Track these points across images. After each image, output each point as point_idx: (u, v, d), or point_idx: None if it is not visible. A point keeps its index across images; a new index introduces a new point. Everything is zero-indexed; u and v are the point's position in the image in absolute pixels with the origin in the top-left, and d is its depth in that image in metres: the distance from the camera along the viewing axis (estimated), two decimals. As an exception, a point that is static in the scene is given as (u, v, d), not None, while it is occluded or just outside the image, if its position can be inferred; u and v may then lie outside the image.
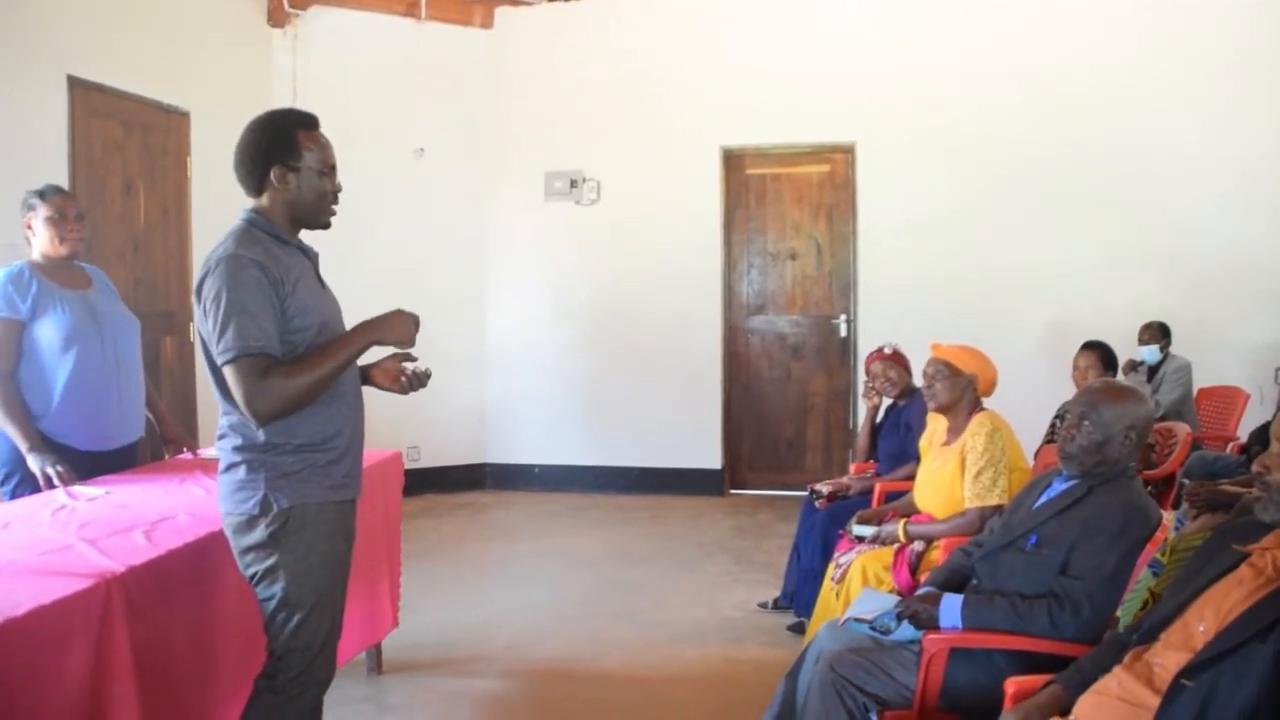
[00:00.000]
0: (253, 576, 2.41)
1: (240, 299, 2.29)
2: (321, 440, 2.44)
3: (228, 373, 2.31)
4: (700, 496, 7.44)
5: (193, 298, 2.42)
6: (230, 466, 2.42)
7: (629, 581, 5.38)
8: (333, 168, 2.53)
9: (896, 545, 3.72)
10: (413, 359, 2.70)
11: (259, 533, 2.37)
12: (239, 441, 2.40)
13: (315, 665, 2.44)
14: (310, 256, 2.59)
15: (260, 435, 2.37)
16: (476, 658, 4.26)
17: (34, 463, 3.31)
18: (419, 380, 2.69)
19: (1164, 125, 6.81)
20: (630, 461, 7.64)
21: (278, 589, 2.38)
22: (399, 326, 2.54)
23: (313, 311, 2.44)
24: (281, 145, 2.46)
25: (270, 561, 2.37)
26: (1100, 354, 5.24)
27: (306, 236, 2.63)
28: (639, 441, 7.62)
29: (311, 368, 2.36)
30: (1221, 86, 6.75)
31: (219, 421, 2.46)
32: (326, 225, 2.57)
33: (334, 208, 2.56)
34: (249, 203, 2.52)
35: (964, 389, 3.76)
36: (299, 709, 2.44)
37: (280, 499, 2.37)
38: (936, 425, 3.96)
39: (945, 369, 3.76)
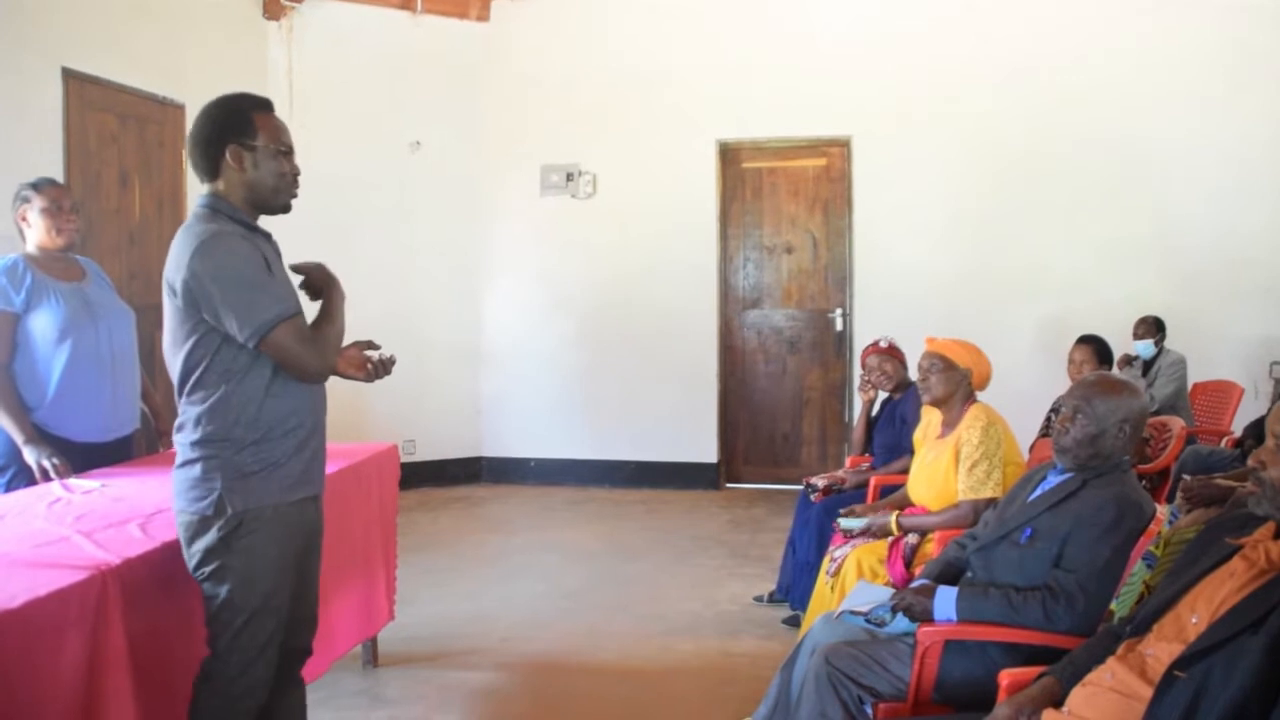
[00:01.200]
0: (199, 575, 2.35)
1: (250, 272, 2.29)
2: (283, 434, 2.39)
3: (274, 341, 2.29)
4: (696, 490, 7.45)
5: (167, 289, 2.34)
6: (187, 462, 2.36)
7: (625, 575, 5.39)
8: (290, 149, 2.47)
9: (891, 538, 3.72)
10: (375, 346, 2.67)
11: (211, 535, 2.31)
12: (197, 435, 2.33)
13: (254, 667, 2.37)
14: (271, 241, 2.53)
15: (220, 429, 2.31)
16: (472, 650, 4.27)
17: (30, 455, 3.31)
18: (384, 367, 2.65)
19: (1160, 119, 6.82)
20: (626, 455, 7.64)
21: (224, 590, 2.32)
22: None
23: (285, 294, 2.40)
24: (237, 125, 2.41)
25: (218, 563, 2.32)
26: (1095, 348, 5.25)
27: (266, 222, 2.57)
28: (635, 435, 7.63)
29: (326, 322, 2.47)
30: (1217, 81, 6.76)
31: (179, 413, 2.38)
32: (287, 208, 2.51)
33: (294, 190, 2.51)
34: None
35: (959, 382, 3.76)
36: (241, 710, 2.38)
37: (235, 501, 2.31)
38: (931, 418, 3.97)
39: (940, 362, 3.77)
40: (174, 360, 2.37)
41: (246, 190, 2.43)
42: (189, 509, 2.34)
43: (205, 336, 2.32)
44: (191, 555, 2.35)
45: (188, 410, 2.36)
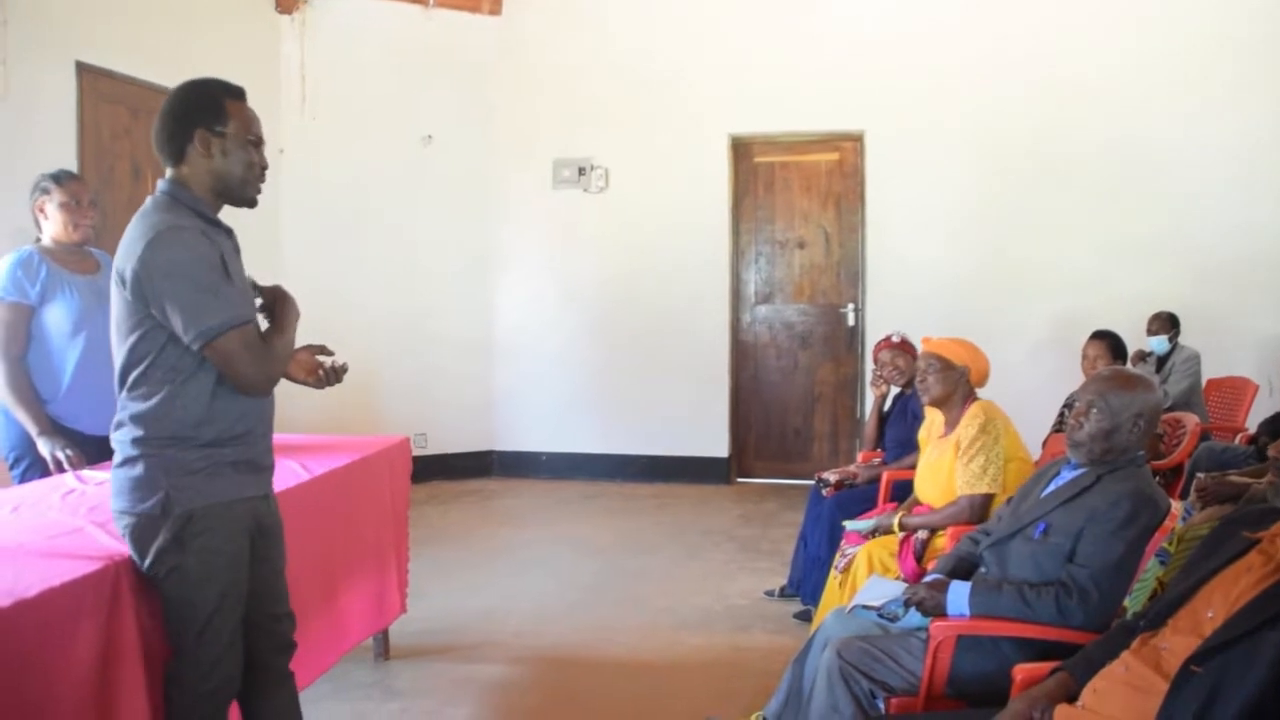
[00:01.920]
0: (155, 576, 2.26)
1: (203, 272, 2.19)
2: (232, 437, 2.31)
3: (220, 347, 2.20)
4: (707, 485, 7.45)
5: (116, 277, 2.24)
6: (127, 460, 2.27)
7: (636, 569, 5.39)
8: (260, 140, 2.38)
9: (901, 535, 3.72)
10: (329, 353, 2.64)
11: (162, 536, 2.22)
12: (139, 433, 2.24)
13: (221, 663, 2.32)
14: (232, 236, 2.43)
15: (168, 428, 2.24)
16: (484, 643, 4.27)
17: (44, 447, 3.33)
18: (335, 375, 2.61)
19: (1173, 115, 6.79)
20: (637, 449, 7.65)
21: (184, 589, 2.25)
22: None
23: (240, 291, 2.33)
24: (207, 109, 2.31)
25: (174, 563, 2.24)
26: (1109, 343, 5.23)
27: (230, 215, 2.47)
28: (646, 429, 7.63)
29: (279, 340, 2.37)
30: (1230, 75, 6.72)
31: (119, 408, 2.30)
32: (253, 202, 2.42)
33: (260, 183, 2.41)
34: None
35: (956, 381, 3.75)
36: (212, 707, 2.33)
37: (183, 499, 2.23)
38: (935, 417, 3.96)
39: (936, 362, 3.76)
40: (118, 352, 2.29)
41: (212, 179, 2.33)
42: (132, 509, 2.25)
43: (150, 332, 2.23)
44: (145, 556, 2.24)
45: (128, 406, 2.27)
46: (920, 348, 3.93)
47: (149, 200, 2.31)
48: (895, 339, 4.76)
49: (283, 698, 2.62)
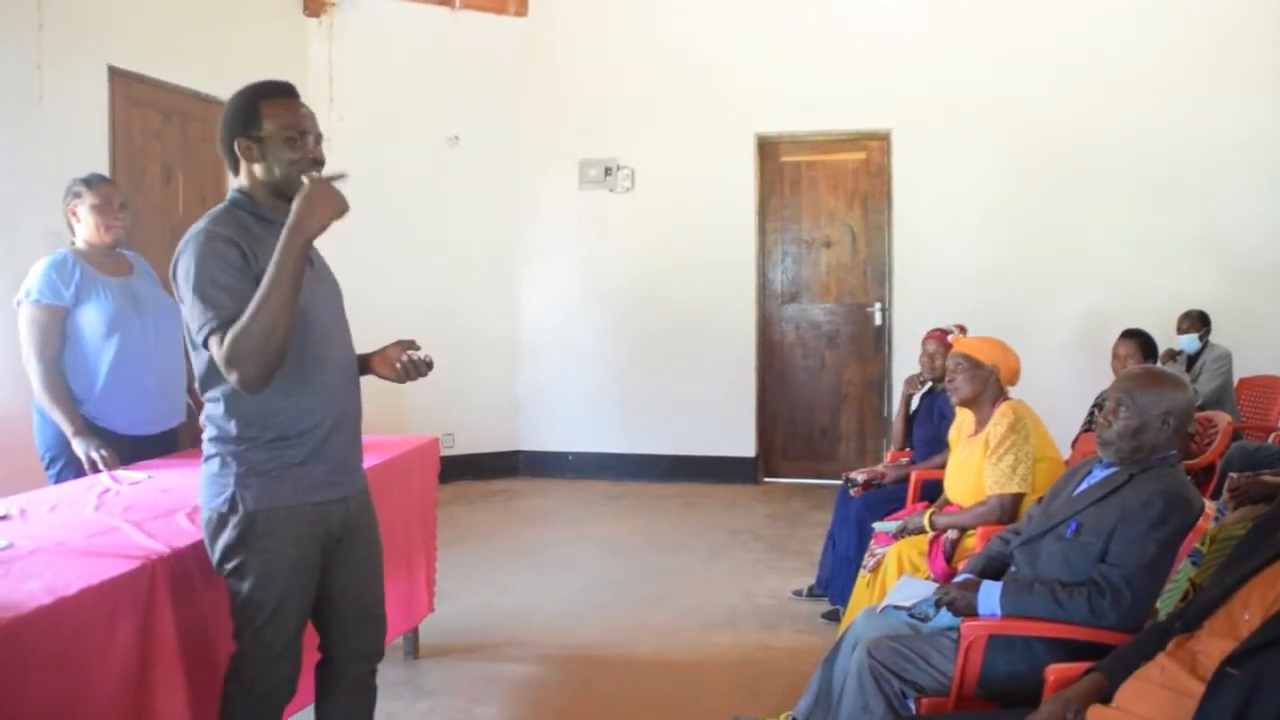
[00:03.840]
0: (222, 570, 2.33)
1: (210, 273, 2.20)
2: (298, 434, 2.32)
3: (211, 349, 2.20)
4: (734, 484, 7.44)
5: (170, 281, 2.32)
6: (207, 458, 2.34)
7: (662, 568, 5.39)
8: (303, 133, 2.37)
9: (929, 535, 3.71)
10: (415, 346, 2.59)
11: (228, 532, 2.28)
12: (214, 433, 2.32)
13: (276, 664, 2.34)
14: None
15: (233, 427, 2.28)
16: (511, 642, 4.29)
17: (79, 447, 3.36)
18: (415, 368, 2.54)
19: (1203, 110, 6.72)
20: (664, 449, 7.65)
21: (244, 587, 2.28)
22: (321, 210, 2.21)
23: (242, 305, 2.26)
24: (242, 118, 2.36)
25: (238, 560, 2.29)
26: (1140, 342, 5.18)
27: None
28: (673, 429, 7.63)
29: (256, 302, 2.16)
30: (1265, 71, 6.65)
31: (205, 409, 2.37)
32: None
33: (312, 175, 2.32)
34: None
35: (985, 381, 3.73)
36: (266, 707, 2.37)
37: (248, 500, 2.27)
38: (965, 417, 3.94)
39: (965, 362, 3.74)
40: (194, 357, 2.34)
41: (262, 181, 2.38)
42: (208, 505, 2.32)
43: None
44: (214, 551, 2.32)
45: (207, 407, 2.35)
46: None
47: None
48: (951, 338, 4.67)
49: (356, 704, 2.62)
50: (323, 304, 2.44)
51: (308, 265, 2.31)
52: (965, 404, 3.81)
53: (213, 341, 2.19)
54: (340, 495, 2.43)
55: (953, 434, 4.09)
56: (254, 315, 2.15)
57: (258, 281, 2.19)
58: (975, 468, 3.67)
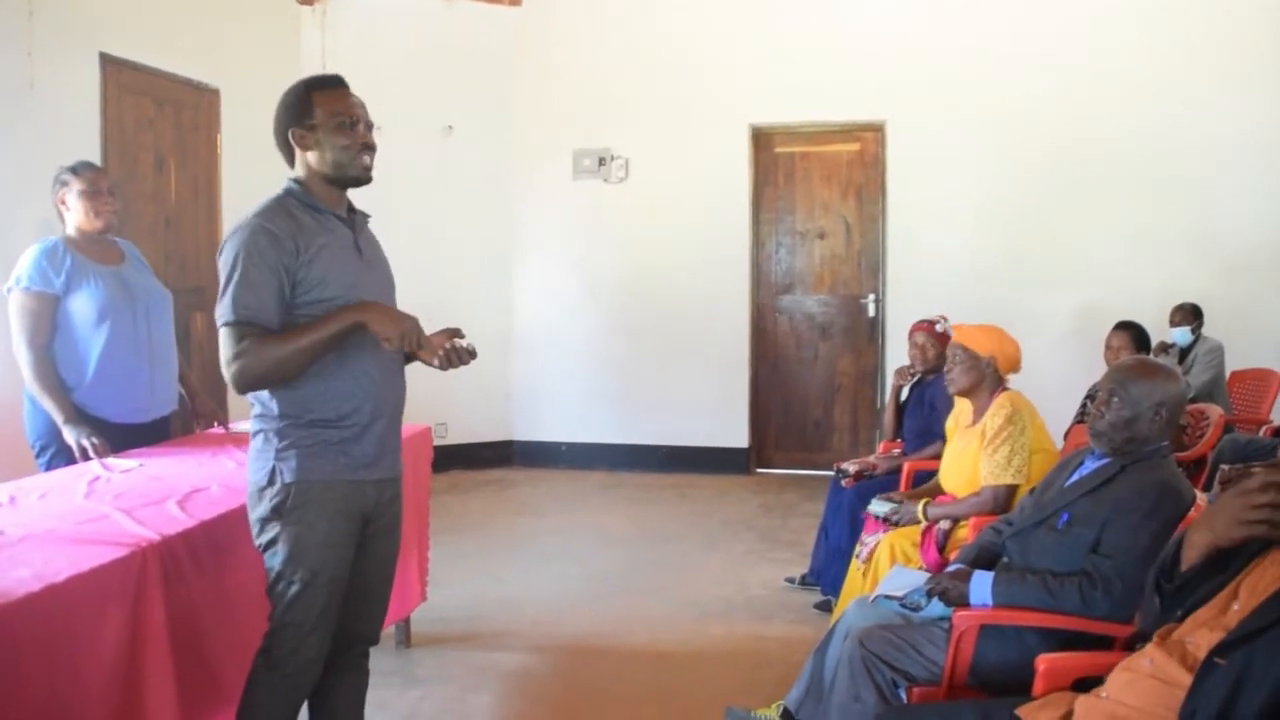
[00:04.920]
0: (259, 545, 2.41)
1: (244, 267, 2.29)
2: (336, 418, 2.40)
3: (220, 335, 2.32)
4: (727, 475, 7.45)
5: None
6: (253, 435, 2.44)
7: (656, 559, 5.40)
8: (355, 120, 2.47)
9: (923, 525, 3.71)
10: (460, 335, 2.61)
11: (265, 503, 2.37)
12: (259, 410, 2.41)
13: (305, 644, 2.39)
14: (352, 225, 2.54)
15: (275, 406, 2.37)
16: (504, 632, 4.29)
17: (70, 435, 3.35)
18: (458, 355, 2.54)
19: (1198, 105, 6.73)
20: (657, 440, 7.65)
21: (277, 560, 2.36)
22: (386, 319, 2.36)
23: (333, 283, 2.39)
24: (296, 109, 2.46)
25: (273, 533, 2.36)
26: (1133, 334, 5.20)
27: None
28: (666, 420, 7.63)
29: (285, 340, 2.31)
30: (1257, 67, 6.66)
31: None
32: (365, 178, 2.52)
33: (365, 159, 2.50)
34: (279, 181, 2.51)
35: (983, 372, 3.72)
36: (291, 686, 2.41)
37: (285, 472, 2.35)
38: (963, 406, 3.94)
39: (961, 353, 3.74)
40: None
41: (317, 169, 2.47)
42: (251, 480, 2.41)
43: None
44: (252, 525, 2.42)
45: None
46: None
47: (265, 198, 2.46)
48: (939, 328, 4.70)
49: (349, 682, 2.67)
50: (372, 292, 2.51)
51: (355, 254, 2.50)
52: (963, 394, 3.81)
53: (226, 331, 2.30)
54: (375, 477, 2.50)
55: (950, 424, 4.08)
56: (276, 349, 2.29)
57: (289, 269, 2.32)
58: (971, 458, 3.67)
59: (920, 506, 3.75)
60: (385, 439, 2.52)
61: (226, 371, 2.31)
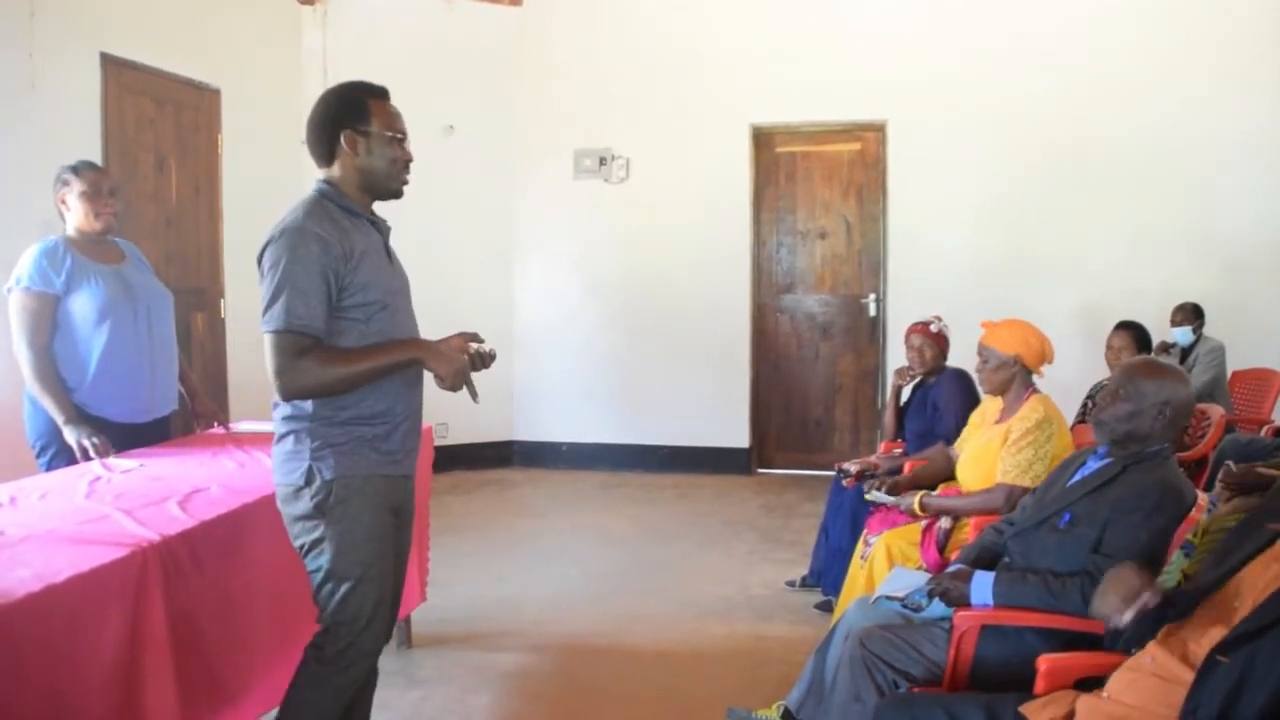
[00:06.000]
0: (301, 547, 2.41)
1: (295, 273, 2.30)
2: (370, 415, 2.42)
3: (267, 341, 2.32)
4: (728, 475, 7.44)
5: (256, 265, 2.42)
6: (282, 436, 2.43)
7: (656, 558, 5.39)
8: (404, 136, 2.52)
9: (924, 524, 3.69)
10: (479, 339, 2.66)
11: (304, 503, 2.37)
12: (289, 411, 2.40)
13: (362, 638, 2.42)
14: (381, 230, 2.58)
15: (308, 405, 2.38)
16: (504, 632, 4.29)
17: (70, 435, 3.35)
18: (482, 360, 2.61)
19: (1198, 104, 6.72)
20: (658, 440, 7.65)
21: (324, 560, 2.38)
22: (443, 360, 2.47)
23: (374, 287, 2.42)
24: (352, 110, 2.47)
25: (317, 533, 2.37)
26: (1134, 334, 5.19)
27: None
28: (667, 420, 7.63)
29: (348, 362, 2.36)
30: (1257, 67, 6.66)
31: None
32: (398, 193, 2.56)
33: (405, 176, 2.55)
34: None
35: (1011, 370, 3.69)
36: (345, 681, 2.43)
37: (324, 470, 2.36)
38: (991, 403, 3.89)
39: (987, 355, 3.72)
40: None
41: (359, 175, 2.48)
42: (284, 480, 2.40)
43: None
44: (291, 527, 2.42)
45: None
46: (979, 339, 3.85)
47: (301, 199, 2.46)
48: (933, 328, 4.68)
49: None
50: (404, 295, 2.58)
51: (386, 259, 2.54)
52: (996, 394, 3.78)
53: (277, 339, 2.30)
54: (404, 473, 2.55)
55: (975, 418, 4.03)
56: (336, 370, 2.33)
57: (337, 275, 2.34)
58: (991, 454, 3.62)
59: (916, 500, 3.73)
60: (409, 438, 2.56)
61: (277, 379, 2.32)
